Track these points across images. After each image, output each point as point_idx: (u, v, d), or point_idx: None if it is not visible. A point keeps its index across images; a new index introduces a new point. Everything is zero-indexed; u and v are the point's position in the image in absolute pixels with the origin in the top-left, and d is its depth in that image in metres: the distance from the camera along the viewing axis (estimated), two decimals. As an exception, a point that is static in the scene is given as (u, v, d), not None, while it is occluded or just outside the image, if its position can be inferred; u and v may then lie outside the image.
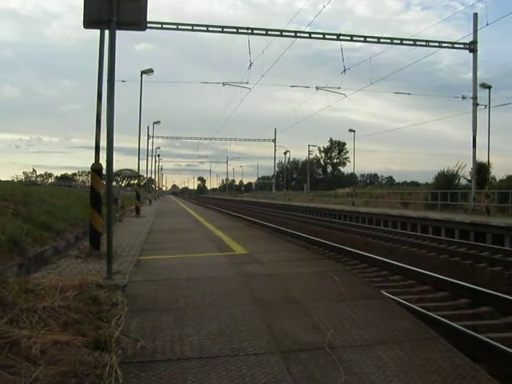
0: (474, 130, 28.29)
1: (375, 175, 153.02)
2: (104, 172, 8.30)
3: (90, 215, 8.35)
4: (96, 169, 8.34)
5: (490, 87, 29.29)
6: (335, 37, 27.97)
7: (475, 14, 28.12)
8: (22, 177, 55.64)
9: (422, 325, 4.49)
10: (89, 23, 6.83)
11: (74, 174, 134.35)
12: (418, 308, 7.15)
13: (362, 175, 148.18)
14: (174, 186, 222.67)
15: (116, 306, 4.92)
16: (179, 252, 9.61)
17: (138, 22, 6.91)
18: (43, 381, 3.02)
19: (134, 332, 4.18)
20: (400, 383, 3.20)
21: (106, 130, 6.86)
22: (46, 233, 8.95)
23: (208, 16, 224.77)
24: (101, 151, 8.38)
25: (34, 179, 55.44)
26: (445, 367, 3.45)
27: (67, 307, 4.54)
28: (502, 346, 5.38)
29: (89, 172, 8.60)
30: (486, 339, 5.65)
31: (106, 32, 7.05)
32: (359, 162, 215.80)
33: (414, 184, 79.12)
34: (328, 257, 12.79)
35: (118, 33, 6.82)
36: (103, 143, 7.25)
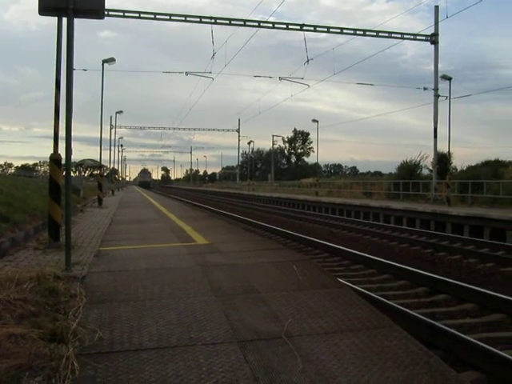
0: (435, 121, 28.66)
1: (339, 165, 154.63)
2: (64, 162, 8.14)
3: (49, 206, 8.20)
4: (54, 159, 8.17)
5: (450, 79, 29.71)
6: (298, 27, 27.98)
7: (436, 7, 28.45)
8: (-19, 167, 54.36)
9: (378, 313, 4.56)
10: (44, 10, 6.66)
11: (36, 164, 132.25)
12: (377, 297, 7.27)
13: (326, 165, 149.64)
14: (144, 171, 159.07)
15: (74, 298, 4.87)
16: (140, 242, 9.54)
17: (96, 9, 6.78)
18: (-4, 374, 2.97)
19: (92, 323, 4.14)
20: (355, 370, 3.25)
21: (65, 119, 6.73)
22: (4, 224, 8.80)
23: (172, 4, 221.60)
24: (60, 141, 8.22)
25: (-8, 169, 54.20)
26: (400, 354, 3.52)
27: (23, 299, 4.48)
28: (456, 332, 5.52)
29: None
30: (442, 326, 5.79)
31: (64, 19, 6.89)
32: (323, 152, 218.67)
33: (378, 174, 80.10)
34: (290, 247, 12.89)
35: (81, 20, 6.69)
36: (62, 133, 7.07)
